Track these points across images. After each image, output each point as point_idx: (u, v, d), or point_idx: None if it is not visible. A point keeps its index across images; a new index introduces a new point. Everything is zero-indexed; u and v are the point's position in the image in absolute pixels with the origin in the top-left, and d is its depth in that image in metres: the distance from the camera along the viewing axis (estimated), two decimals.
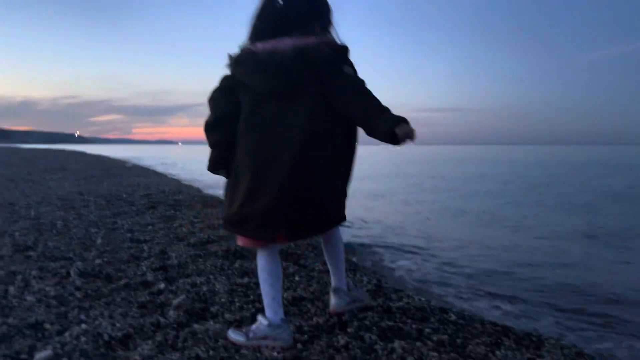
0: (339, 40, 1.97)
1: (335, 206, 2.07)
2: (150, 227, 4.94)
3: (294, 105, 1.87)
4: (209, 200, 7.57)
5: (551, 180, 16.71)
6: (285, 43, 1.85)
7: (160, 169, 23.80)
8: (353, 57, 1.96)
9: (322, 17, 1.97)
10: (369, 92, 1.88)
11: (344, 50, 1.94)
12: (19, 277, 2.93)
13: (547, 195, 11.49)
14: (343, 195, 2.08)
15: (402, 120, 1.73)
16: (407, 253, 4.92)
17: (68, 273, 3.06)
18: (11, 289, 2.68)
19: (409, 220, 7.37)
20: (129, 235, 4.46)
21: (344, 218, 2.12)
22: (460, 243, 5.51)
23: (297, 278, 3.16)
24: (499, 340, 2.25)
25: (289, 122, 1.88)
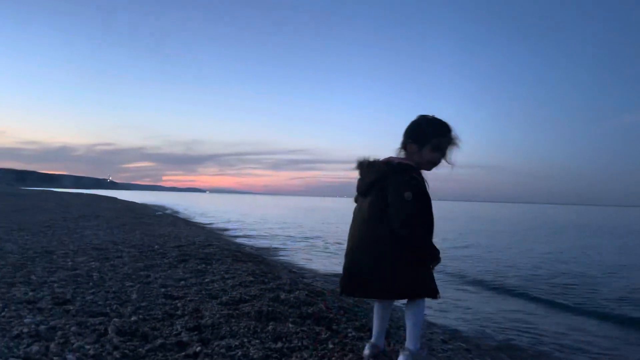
0: (417, 159, 2.69)
1: (382, 277, 2.55)
2: (182, 282, 4.99)
3: (365, 199, 2.71)
4: (238, 255, 7.62)
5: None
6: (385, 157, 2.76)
7: (189, 217, 24.13)
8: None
9: (419, 137, 2.68)
10: (400, 208, 2.51)
11: (402, 166, 2.62)
12: (59, 332, 2.98)
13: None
14: (397, 270, 2.53)
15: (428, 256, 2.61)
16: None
17: (106, 330, 3.10)
18: (52, 346, 2.73)
19: None
20: (162, 290, 4.51)
21: (403, 294, 2.62)
22: None
23: (330, 345, 3.13)
24: None
25: (362, 211, 2.71)
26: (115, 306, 3.77)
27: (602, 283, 8.48)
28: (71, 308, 3.60)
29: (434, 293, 2.61)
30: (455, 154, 2.70)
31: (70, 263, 5.69)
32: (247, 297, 4.31)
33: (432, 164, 2.69)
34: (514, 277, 8.87)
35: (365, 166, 2.73)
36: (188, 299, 4.22)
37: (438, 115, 2.72)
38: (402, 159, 2.70)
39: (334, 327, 3.64)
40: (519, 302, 6.87)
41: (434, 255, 2.54)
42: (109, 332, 3.07)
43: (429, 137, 2.64)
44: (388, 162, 2.67)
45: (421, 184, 2.60)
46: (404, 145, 2.72)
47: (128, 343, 2.90)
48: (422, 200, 2.55)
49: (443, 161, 2.70)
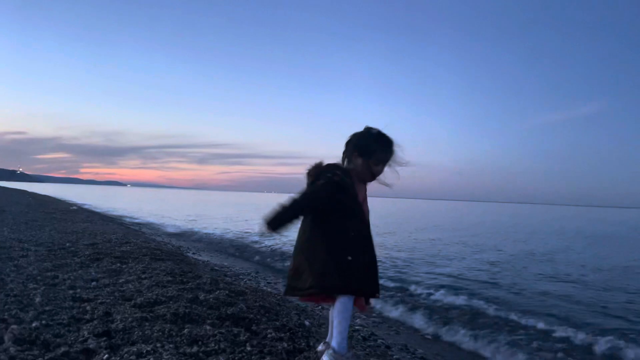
0: (359, 170, 2.80)
1: (313, 274, 2.64)
2: (94, 283, 4.71)
3: None
4: (157, 253, 7.33)
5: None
6: None
7: (106, 211, 23.03)
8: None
9: (364, 150, 2.79)
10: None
11: (330, 165, 2.75)
12: None
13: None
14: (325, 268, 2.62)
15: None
16: None
17: (2, 338, 2.84)
18: None
19: None
20: (71, 292, 4.22)
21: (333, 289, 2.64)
22: None
23: (248, 348, 3.05)
24: None
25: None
26: (15, 311, 3.47)
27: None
28: None
29: (353, 291, 2.64)
30: (395, 171, 2.82)
31: None
32: (164, 299, 4.13)
33: (372, 176, 2.78)
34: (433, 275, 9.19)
35: (306, 173, 2.82)
36: (99, 301, 3.97)
37: (384, 129, 2.80)
38: (335, 163, 2.79)
39: (254, 327, 3.57)
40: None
41: (275, 217, 2.58)
42: (5, 340, 2.82)
43: (374, 151, 2.74)
44: (318, 165, 2.76)
45: (342, 180, 2.65)
46: (348, 155, 2.82)
47: (27, 352, 2.67)
48: (329, 189, 2.64)
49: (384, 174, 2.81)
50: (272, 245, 12.00)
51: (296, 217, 2.63)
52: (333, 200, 2.62)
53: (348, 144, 2.84)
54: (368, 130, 2.80)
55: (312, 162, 2.80)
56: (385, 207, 63.09)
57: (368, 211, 2.84)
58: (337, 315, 2.65)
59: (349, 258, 2.59)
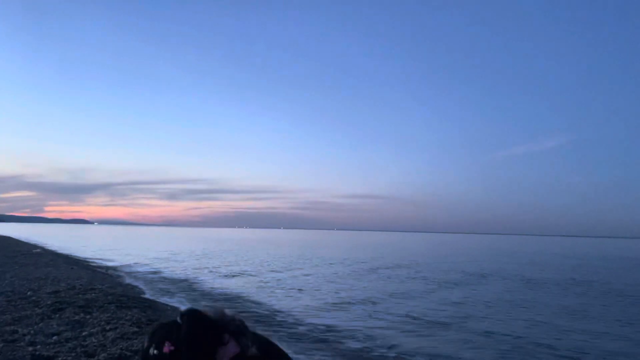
0: None
1: None
2: (55, 338, 4.53)
3: None
4: (123, 300, 7.12)
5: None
6: None
7: (72, 253, 22.35)
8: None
9: None
10: None
11: None
12: None
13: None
14: None
15: None
16: None
17: None
18: None
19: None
20: (30, 349, 4.05)
21: None
22: None
23: None
24: None
25: None
26: None
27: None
28: None
29: None
30: None
31: None
32: (128, 353, 3.99)
33: None
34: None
35: None
36: (60, 359, 3.81)
37: None
38: None
39: None
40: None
41: None
42: None
43: None
44: None
45: None
46: None
47: None
48: None
49: None
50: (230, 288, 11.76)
51: None
52: None
53: None
54: None
55: None
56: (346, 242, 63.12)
57: None
58: None
59: None
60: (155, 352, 1.69)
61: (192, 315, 1.76)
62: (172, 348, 1.68)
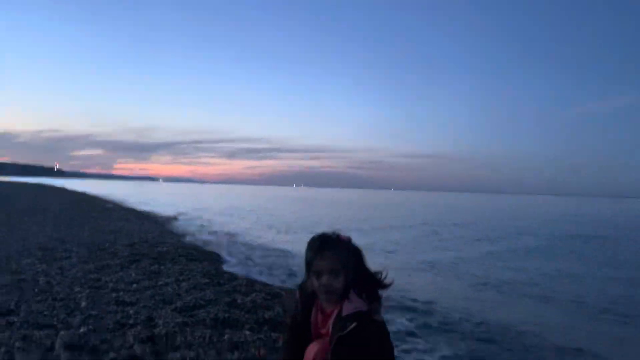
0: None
1: None
2: (135, 286, 4.86)
3: None
4: (193, 253, 7.48)
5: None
6: None
7: (141, 209, 23.51)
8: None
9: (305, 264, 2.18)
10: None
11: None
12: (2, 349, 2.84)
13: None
14: None
15: None
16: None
17: (53, 344, 2.97)
18: None
19: None
20: (114, 295, 4.37)
21: None
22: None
23: None
24: None
25: None
26: (62, 316, 3.62)
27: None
28: (15, 320, 3.43)
29: None
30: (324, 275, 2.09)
31: (14, 266, 5.43)
32: (202, 302, 4.23)
33: (321, 293, 2.10)
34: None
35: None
36: (141, 304, 4.10)
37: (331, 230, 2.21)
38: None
39: None
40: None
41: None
42: (56, 346, 2.95)
43: (309, 263, 2.13)
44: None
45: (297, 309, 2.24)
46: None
47: (77, 359, 2.79)
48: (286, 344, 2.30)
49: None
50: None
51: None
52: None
53: None
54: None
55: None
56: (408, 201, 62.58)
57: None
58: None
59: None
60: (333, 236, 2.16)
61: (357, 246, 2.20)
62: (347, 239, 2.16)
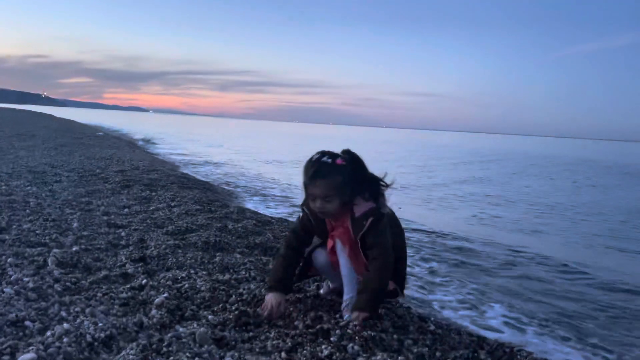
0: None
1: None
2: (126, 210, 4.88)
3: None
4: (184, 181, 7.49)
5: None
6: None
7: (132, 138, 23.35)
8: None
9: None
10: None
11: None
12: None
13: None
14: None
15: None
16: None
17: (45, 261, 3.00)
18: None
19: None
20: (105, 218, 4.39)
21: None
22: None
23: None
24: (475, 354, 2.33)
25: None
26: (55, 235, 3.64)
27: None
28: (7, 237, 3.45)
29: None
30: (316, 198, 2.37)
31: (4, 187, 5.40)
32: (194, 227, 4.27)
33: (319, 214, 2.45)
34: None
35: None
36: (133, 227, 4.13)
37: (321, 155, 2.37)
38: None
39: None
40: None
41: (270, 276, 2.65)
42: (49, 263, 2.98)
43: (305, 187, 2.42)
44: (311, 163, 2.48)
45: (309, 219, 2.54)
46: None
47: (70, 275, 2.83)
48: None
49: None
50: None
51: (289, 269, 2.60)
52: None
53: None
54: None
55: (310, 157, 2.41)
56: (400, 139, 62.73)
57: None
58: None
59: None
60: (329, 160, 2.32)
61: (358, 156, 2.45)
62: (343, 163, 2.33)
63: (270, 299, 2.47)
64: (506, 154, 34.04)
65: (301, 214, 2.59)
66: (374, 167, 2.52)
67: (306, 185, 2.39)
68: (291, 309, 2.59)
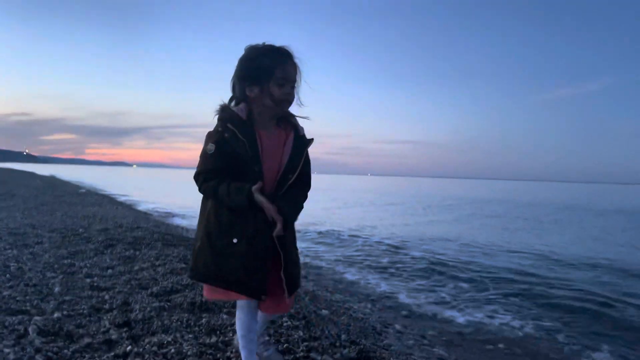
0: (263, 104, 2.12)
1: None
2: (110, 271, 4.80)
3: None
4: (169, 238, 7.42)
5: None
6: None
7: (115, 194, 23.18)
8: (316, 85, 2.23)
9: (258, 75, 2.10)
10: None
11: (219, 115, 2.16)
12: None
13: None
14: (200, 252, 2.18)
15: None
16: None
17: (26, 330, 2.92)
18: None
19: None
20: (88, 281, 4.31)
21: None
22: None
23: (266, 337, 3.12)
24: None
25: None
26: (36, 301, 3.55)
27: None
28: None
29: (230, 284, 2.09)
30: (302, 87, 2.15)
31: None
32: (179, 287, 4.21)
33: (284, 102, 2.10)
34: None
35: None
36: (116, 290, 4.06)
37: (269, 42, 2.12)
38: (223, 106, 2.17)
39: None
40: None
41: (231, 199, 2.02)
42: (30, 332, 2.89)
43: (271, 69, 2.05)
44: (221, 108, 2.17)
45: (236, 139, 2.03)
46: (239, 92, 2.14)
47: (51, 344, 2.75)
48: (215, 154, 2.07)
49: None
50: None
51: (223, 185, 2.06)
52: (229, 170, 2.07)
53: (233, 77, 2.15)
54: (251, 48, 2.10)
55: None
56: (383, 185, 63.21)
57: (289, 160, 2.13)
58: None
59: (234, 241, 2.06)
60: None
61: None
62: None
63: (266, 208, 2.01)
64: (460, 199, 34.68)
65: (226, 134, 2.04)
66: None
67: (272, 69, 2.04)
68: None
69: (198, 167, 2.11)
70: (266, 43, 2.09)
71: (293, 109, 2.20)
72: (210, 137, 2.10)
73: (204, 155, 2.09)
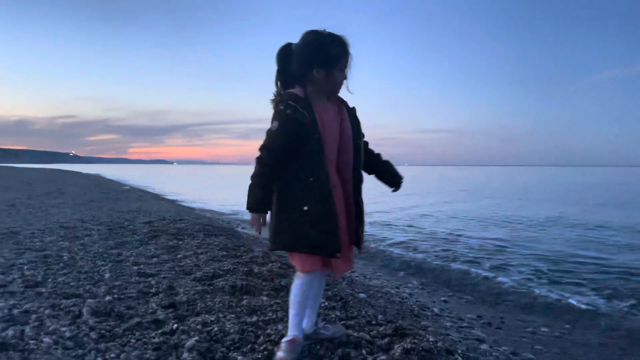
0: (325, 86, 2.38)
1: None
2: (155, 259, 5.01)
3: None
4: (210, 229, 7.64)
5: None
6: None
7: (157, 191, 23.85)
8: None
9: (326, 59, 2.35)
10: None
11: (283, 96, 2.35)
12: (33, 316, 2.99)
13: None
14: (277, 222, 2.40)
15: None
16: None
17: (80, 312, 3.12)
18: (27, 330, 2.74)
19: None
20: (135, 268, 4.52)
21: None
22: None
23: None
24: None
25: None
26: (88, 286, 3.77)
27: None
28: (43, 290, 3.59)
29: (305, 248, 2.31)
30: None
31: (38, 243, 5.61)
32: (221, 272, 4.36)
33: (339, 85, 2.39)
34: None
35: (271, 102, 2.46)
36: (162, 276, 4.25)
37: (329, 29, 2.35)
38: (288, 92, 2.36)
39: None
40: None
41: (249, 198, 2.30)
42: (84, 313, 3.09)
43: (337, 56, 2.32)
44: (277, 94, 2.43)
45: (298, 112, 2.24)
46: (304, 73, 2.35)
47: (104, 323, 2.93)
48: (285, 129, 2.26)
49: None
50: None
51: (268, 188, 2.31)
52: (293, 144, 2.27)
53: (296, 58, 2.36)
54: (318, 34, 2.33)
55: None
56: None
57: (350, 132, 2.44)
58: (292, 291, 2.50)
59: (305, 208, 2.26)
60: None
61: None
62: None
63: (253, 218, 2.32)
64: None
65: (288, 111, 2.25)
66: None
67: (339, 56, 2.33)
68: (318, 347, 2.63)
69: (263, 142, 2.32)
70: (326, 30, 2.34)
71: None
72: (274, 116, 2.33)
73: (269, 132, 2.32)
